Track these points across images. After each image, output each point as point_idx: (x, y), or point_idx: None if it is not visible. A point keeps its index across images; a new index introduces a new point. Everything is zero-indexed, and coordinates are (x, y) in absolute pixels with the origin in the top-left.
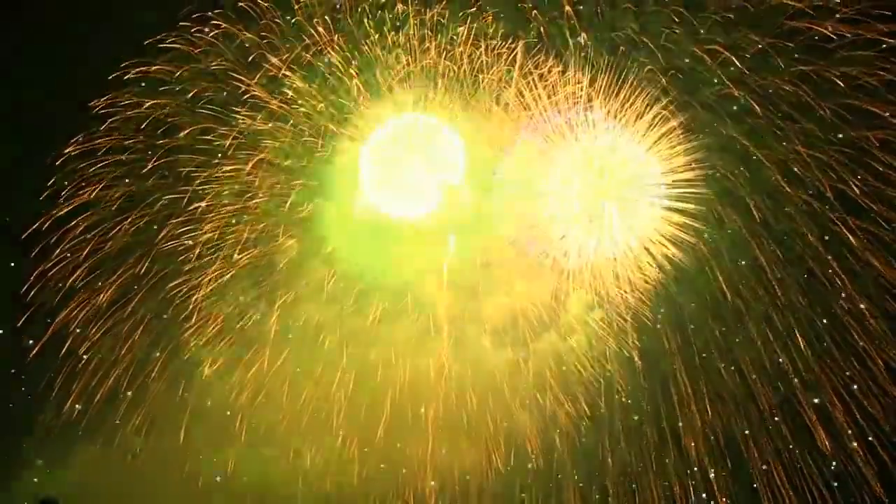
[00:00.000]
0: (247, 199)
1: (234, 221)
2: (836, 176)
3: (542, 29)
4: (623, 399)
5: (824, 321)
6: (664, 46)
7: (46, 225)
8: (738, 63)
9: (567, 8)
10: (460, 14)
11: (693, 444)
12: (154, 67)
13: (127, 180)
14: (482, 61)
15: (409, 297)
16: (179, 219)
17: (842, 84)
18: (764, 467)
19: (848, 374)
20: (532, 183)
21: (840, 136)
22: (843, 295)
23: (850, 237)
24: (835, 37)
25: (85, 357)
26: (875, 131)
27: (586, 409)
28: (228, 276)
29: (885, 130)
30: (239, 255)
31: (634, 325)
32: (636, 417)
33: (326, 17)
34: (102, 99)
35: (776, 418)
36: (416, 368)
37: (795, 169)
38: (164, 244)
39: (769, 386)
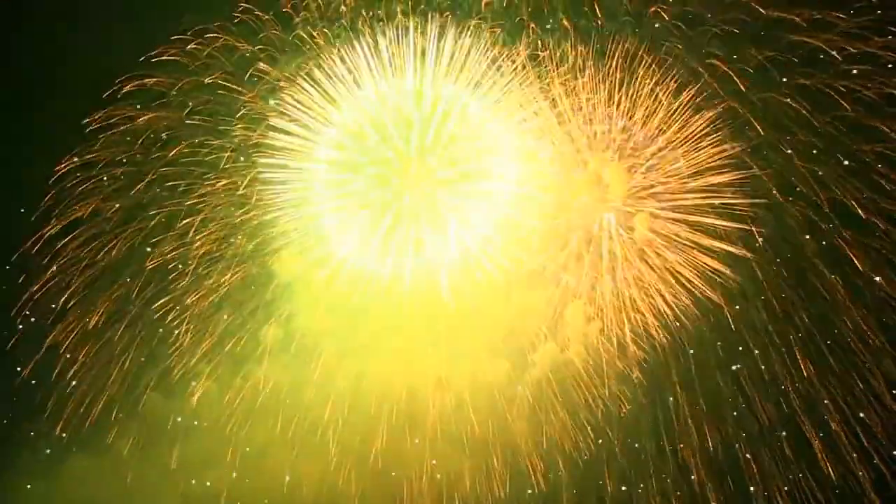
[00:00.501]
0: (243, 213)
1: (229, 235)
2: (836, 189)
3: (539, 42)
4: (621, 415)
5: (827, 342)
6: (664, 59)
7: (39, 244)
8: (736, 78)
9: (564, 22)
10: (459, 28)
11: (693, 461)
12: (152, 80)
13: (121, 196)
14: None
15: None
16: (174, 232)
17: (840, 98)
18: (764, 485)
19: (850, 391)
20: (532, 193)
21: (839, 149)
22: (844, 308)
23: (849, 250)
24: (834, 51)
25: (75, 381)
26: (874, 144)
27: (587, 424)
28: (223, 291)
29: (884, 144)
30: (234, 269)
31: (633, 337)
32: (635, 432)
33: (326, 30)
34: (99, 114)
35: (776, 433)
36: (413, 384)
37: (795, 183)
38: (158, 260)
39: (769, 401)
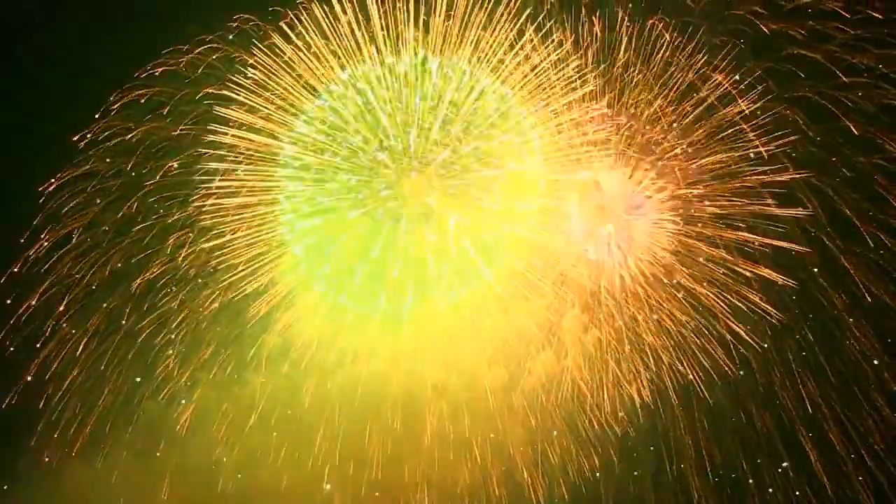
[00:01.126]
0: (239, 224)
1: (226, 245)
2: (836, 200)
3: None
4: (618, 430)
5: (834, 362)
6: (664, 70)
7: (30, 261)
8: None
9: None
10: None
11: (692, 476)
12: (150, 91)
13: (116, 208)
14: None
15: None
16: (170, 244)
17: (839, 110)
18: (763, 500)
19: (849, 404)
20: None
21: (839, 160)
22: (843, 319)
23: (847, 261)
24: (833, 63)
25: (66, 399)
26: (873, 156)
27: (586, 439)
28: (220, 301)
29: (882, 155)
30: (232, 279)
31: (631, 348)
32: (634, 448)
33: (326, 43)
34: (95, 126)
35: (775, 447)
36: (410, 396)
37: (792, 192)
38: (153, 273)
39: (769, 414)
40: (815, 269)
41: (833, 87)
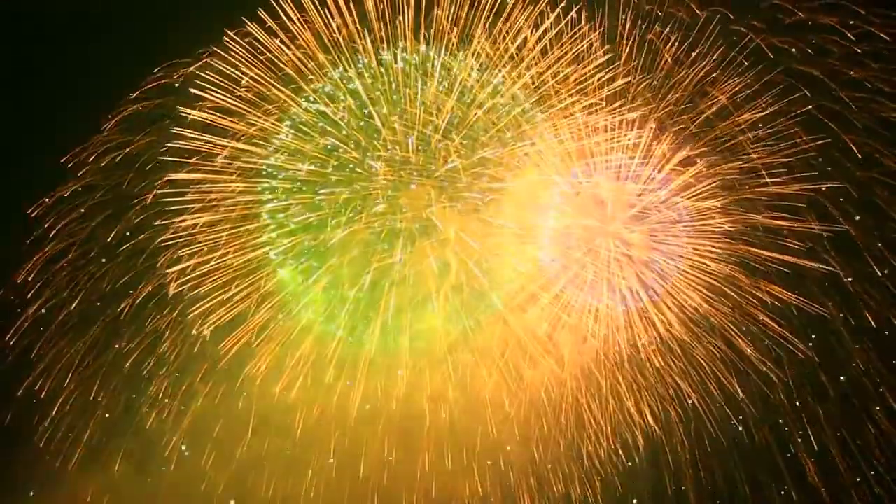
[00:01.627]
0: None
1: (223, 256)
2: (834, 213)
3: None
4: (613, 445)
5: (834, 377)
6: (664, 83)
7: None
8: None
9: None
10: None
11: (691, 492)
12: (147, 105)
13: (113, 223)
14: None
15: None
16: (166, 257)
17: (836, 123)
18: None
19: (849, 419)
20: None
21: (837, 173)
22: (841, 334)
23: (846, 275)
24: (830, 77)
25: (52, 428)
26: (872, 170)
27: (587, 452)
28: (217, 311)
29: (881, 168)
30: (230, 288)
31: (632, 365)
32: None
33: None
34: (91, 140)
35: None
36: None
37: (791, 204)
38: (152, 284)
39: (767, 427)
40: (815, 286)
41: (832, 100)
